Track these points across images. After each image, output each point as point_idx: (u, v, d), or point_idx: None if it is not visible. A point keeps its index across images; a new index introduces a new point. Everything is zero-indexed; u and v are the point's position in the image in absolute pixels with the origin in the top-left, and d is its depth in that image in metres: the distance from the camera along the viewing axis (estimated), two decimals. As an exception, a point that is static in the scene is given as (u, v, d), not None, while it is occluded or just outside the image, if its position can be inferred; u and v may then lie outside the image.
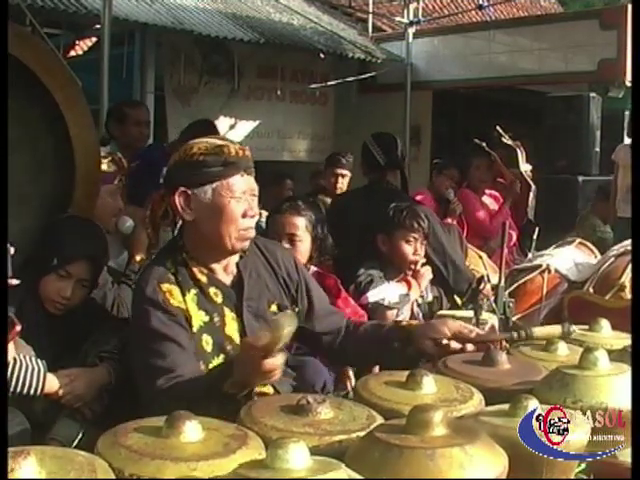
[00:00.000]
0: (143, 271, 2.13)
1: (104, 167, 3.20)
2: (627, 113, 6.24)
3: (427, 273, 3.39)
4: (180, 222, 2.09)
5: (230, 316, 2.05)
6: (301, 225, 2.94)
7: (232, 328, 2.05)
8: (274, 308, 2.16)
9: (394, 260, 3.33)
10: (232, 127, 7.91)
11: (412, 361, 2.20)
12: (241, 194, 2.00)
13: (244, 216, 2.01)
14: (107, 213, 3.16)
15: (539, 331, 2.09)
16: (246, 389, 1.75)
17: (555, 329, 2.07)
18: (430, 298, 3.49)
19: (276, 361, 1.65)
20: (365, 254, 3.37)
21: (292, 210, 2.97)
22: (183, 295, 1.99)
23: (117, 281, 2.80)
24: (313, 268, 3.02)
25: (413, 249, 3.31)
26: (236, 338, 2.05)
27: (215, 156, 1.96)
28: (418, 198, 4.95)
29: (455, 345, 2.04)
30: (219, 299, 2.05)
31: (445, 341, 2.05)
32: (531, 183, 5.38)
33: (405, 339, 2.14)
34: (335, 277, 3.06)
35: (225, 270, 2.09)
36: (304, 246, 2.94)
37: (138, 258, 2.92)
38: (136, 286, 2.09)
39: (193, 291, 2.01)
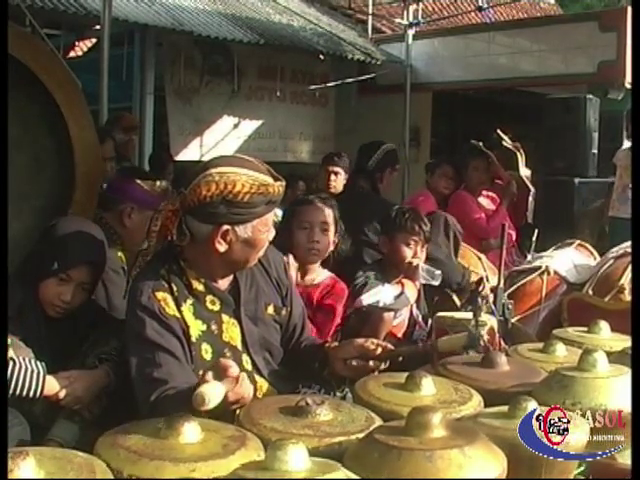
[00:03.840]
0: (136, 278, 2.08)
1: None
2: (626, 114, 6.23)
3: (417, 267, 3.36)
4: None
5: (230, 322, 2.05)
6: (331, 215, 3.01)
7: (231, 334, 2.04)
8: (271, 310, 2.16)
9: (394, 262, 3.31)
10: (236, 126, 7.93)
11: (327, 383, 2.20)
12: (271, 220, 2.03)
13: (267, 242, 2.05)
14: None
15: (444, 342, 2.02)
16: (223, 413, 1.66)
17: (460, 338, 1.99)
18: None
19: (240, 390, 1.63)
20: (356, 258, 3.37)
21: (324, 201, 3.04)
22: (178, 306, 1.97)
23: None
24: (327, 272, 3.03)
25: (413, 252, 3.29)
26: (237, 343, 2.04)
27: (261, 196, 1.92)
28: (420, 199, 4.95)
29: (364, 364, 2.02)
30: (216, 307, 2.04)
31: (354, 362, 2.03)
32: (530, 187, 5.38)
33: (324, 360, 2.13)
34: (345, 285, 3.07)
35: (223, 277, 2.08)
36: (332, 237, 3.00)
37: None
38: (130, 293, 2.03)
39: (189, 301, 2.00)
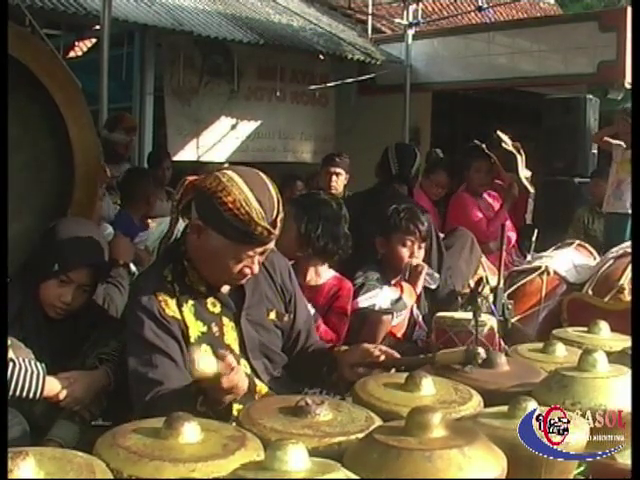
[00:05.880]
0: (139, 276, 2.11)
1: None
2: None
3: (422, 273, 3.34)
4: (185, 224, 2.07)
5: (229, 325, 2.05)
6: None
7: (231, 337, 2.05)
8: (272, 316, 2.15)
9: (391, 263, 3.30)
10: (233, 127, 7.91)
11: (335, 387, 2.19)
12: (246, 257, 1.96)
13: (240, 272, 1.98)
14: (96, 217, 3.17)
15: (442, 356, 1.94)
16: (219, 406, 1.70)
17: (458, 354, 1.89)
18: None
19: (233, 377, 1.63)
20: (363, 257, 3.34)
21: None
22: (180, 306, 1.98)
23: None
24: (331, 272, 3.01)
25: (409, 252, 3.27)
26: (235, 347, 2.04)
27: (239, 222, 1.87)
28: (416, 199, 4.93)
29: (369, 372, 2.00)
30: (217, 309, 2.04)
31: (360, 369, 2.02)
32: (530, 188, 5.36)
33: (332, 365, 2.12)
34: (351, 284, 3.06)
35: (220, 282, 2.07)
36: (285, 237, 2.95)
37: (122, 262, 2.90)
38: (131, 291, 2.06)
39: (190, 302, 2.00)
